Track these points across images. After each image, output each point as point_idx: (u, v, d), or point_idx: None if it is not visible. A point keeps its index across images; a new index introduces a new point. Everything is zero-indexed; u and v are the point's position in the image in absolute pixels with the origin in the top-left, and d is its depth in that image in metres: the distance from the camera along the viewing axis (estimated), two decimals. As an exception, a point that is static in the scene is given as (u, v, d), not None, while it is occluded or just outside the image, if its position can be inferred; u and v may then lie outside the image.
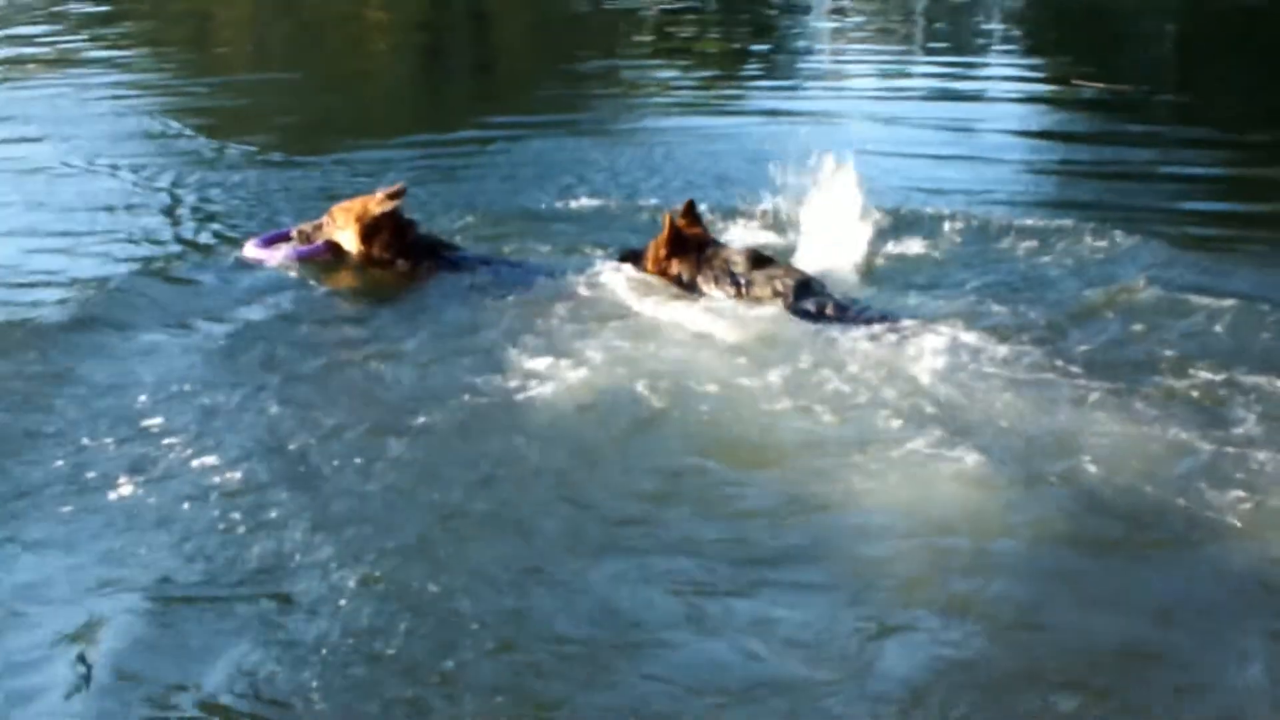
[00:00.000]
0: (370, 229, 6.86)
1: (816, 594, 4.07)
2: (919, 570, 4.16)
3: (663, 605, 3.96)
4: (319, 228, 6.97)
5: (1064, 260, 7.15)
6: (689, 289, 6.69)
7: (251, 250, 6.99)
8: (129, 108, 12.67)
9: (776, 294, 6.42)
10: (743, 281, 6.55)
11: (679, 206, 7.02)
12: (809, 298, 6.37)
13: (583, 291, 6.69)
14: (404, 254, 6.92)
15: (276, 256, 6.92)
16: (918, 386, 5.48)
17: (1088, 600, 4.03)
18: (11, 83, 14.40)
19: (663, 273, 6.81)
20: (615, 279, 6.80)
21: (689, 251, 6.77)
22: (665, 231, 6.79)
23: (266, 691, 3.58)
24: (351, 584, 4.05)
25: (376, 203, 6.87)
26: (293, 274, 6.89)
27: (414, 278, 6.84)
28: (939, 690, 3.58)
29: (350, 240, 6.88)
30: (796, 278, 6.52)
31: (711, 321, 6.28)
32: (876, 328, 6.03)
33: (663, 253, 6.81)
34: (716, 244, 6.89)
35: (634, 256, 6.95)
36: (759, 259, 6.67)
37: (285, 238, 7.05)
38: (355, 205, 6.93)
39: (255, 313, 6.40)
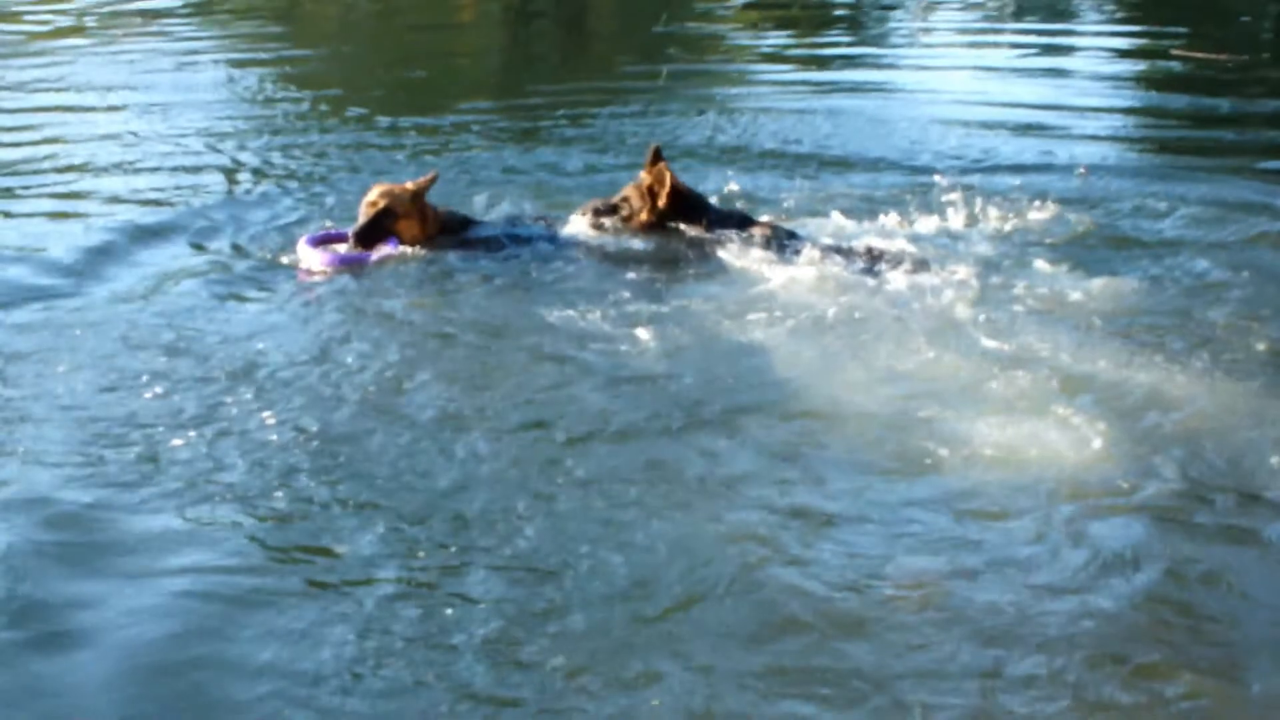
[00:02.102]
0: (422, 208, 6.48)
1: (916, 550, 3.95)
2: (1020, 542, 3.99)
3: (733, 562, 3.87)
4: (377, 223, 6.40)
5: (1167, 220, 7.04)
6: (683, 236, 6.57)
7: (308, 253, 6.38)
8: (218, 69, 12.81)
9: (768, 241, 6.46)
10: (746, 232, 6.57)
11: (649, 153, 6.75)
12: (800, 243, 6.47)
13: (618, 250, 6.55)
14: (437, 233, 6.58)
15: (325, 262, 6.34)
16: (1011, 341, 5.36)
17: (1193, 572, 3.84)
18: (102, 41, 14.56)
19: (658, 223, 6.60)
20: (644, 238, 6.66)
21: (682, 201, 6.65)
22: (667, 186, 6.59)
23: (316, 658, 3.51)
24: (421, 544, 4.00)
25: (413, 184, 6.50)
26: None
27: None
28: (1023, 659, 3.45)
29: (412, 225, 6.43)
30: (783, 229, 6.63)
31: (752, 273, 6.22)
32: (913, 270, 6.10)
33: (663, 203, 6.61)
34: (694, 193, 6.78)
35: (610, 210, 6.70)
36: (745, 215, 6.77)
37: (340, 239, 6.48)
38: (395, 190, 6.47)
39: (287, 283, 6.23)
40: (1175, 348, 5.27)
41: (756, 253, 6.40)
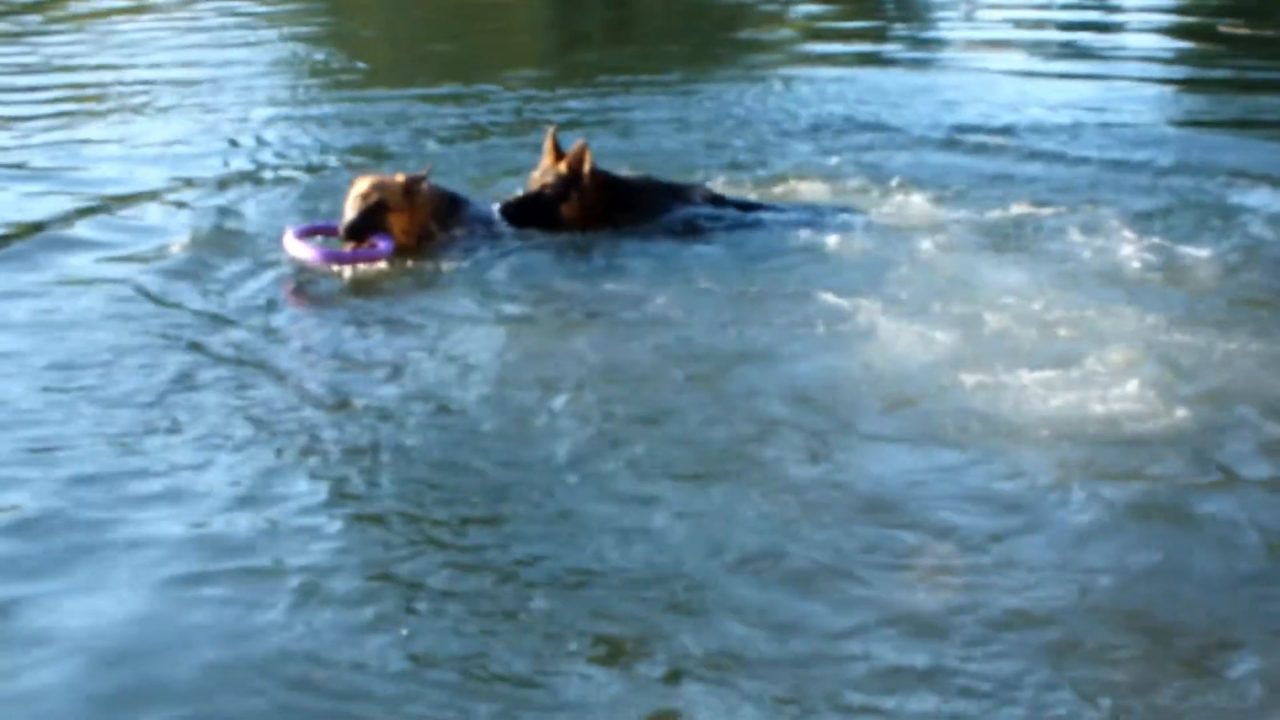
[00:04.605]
0: (414, 201, 6.26)
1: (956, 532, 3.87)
2: (1059, 525, 3.90)
3: (754, 538, 3.83)
4: (369, 217, 6.07)
5: (1217, 184, 7.08)
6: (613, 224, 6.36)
7: (295, 245, 5.98)
8: (263, 40, 12.93)
9: (705, 200, 6.50)
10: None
11: (551, 137, 6.43)
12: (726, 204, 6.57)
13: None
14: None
15: (318, 256, 5.98)
16: (1052, 306, 5.33)
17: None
18: (136, 19, 14.67)
19: (587, 213, 6.33)
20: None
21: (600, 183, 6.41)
22: (588, 163, 6.30)
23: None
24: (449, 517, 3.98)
25: (404, 176, 6.29)
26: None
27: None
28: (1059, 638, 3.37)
29: (404, 218, 6.19)
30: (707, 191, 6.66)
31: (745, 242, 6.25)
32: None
33: (587, 182, 6.31)
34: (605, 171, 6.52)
35: (534, 204, 6.33)
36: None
37: (330, 230, 6.15)
38: (387, 183, 6.22)
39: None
40: (1229, 315, 5.24)
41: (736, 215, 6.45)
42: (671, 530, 3.85)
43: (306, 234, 6.08)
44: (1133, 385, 4.60)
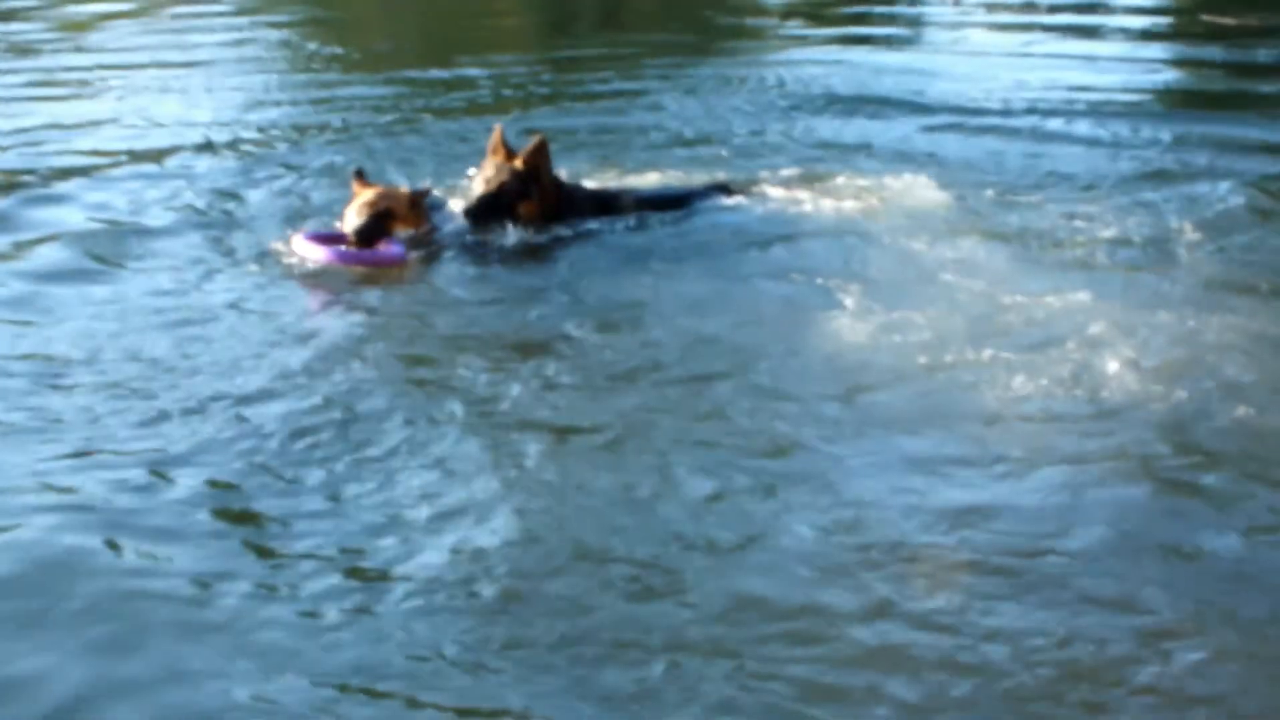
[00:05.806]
0: (419, 212, 6.34)
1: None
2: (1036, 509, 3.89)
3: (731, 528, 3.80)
4: (376, 223, 6.13)
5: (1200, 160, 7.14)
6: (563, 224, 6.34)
7: (305, 246, 6.07)
8: (239, 26, 12.90)
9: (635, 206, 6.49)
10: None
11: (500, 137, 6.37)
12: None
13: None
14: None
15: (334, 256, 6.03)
16: (1031, 287, 5.31)
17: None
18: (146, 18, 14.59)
19: (544, 212, 6.30)
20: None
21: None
22: (548, 157, 6.31)
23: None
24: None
25: (409, 189, 6.40)
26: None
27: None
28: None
29: (408, 228, 6.25)
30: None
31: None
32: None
33: (551, 185, 6.32)
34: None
35: (496, 203, 6.27)
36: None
37: (339, 237, 6.19)
38: (394, 193, 6.32)
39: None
40: (1212, 295, 5.23)
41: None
42: (637, 521, 3.81)
43: (316, 241, 6.12)
44: (1112, 367, 4.59)
